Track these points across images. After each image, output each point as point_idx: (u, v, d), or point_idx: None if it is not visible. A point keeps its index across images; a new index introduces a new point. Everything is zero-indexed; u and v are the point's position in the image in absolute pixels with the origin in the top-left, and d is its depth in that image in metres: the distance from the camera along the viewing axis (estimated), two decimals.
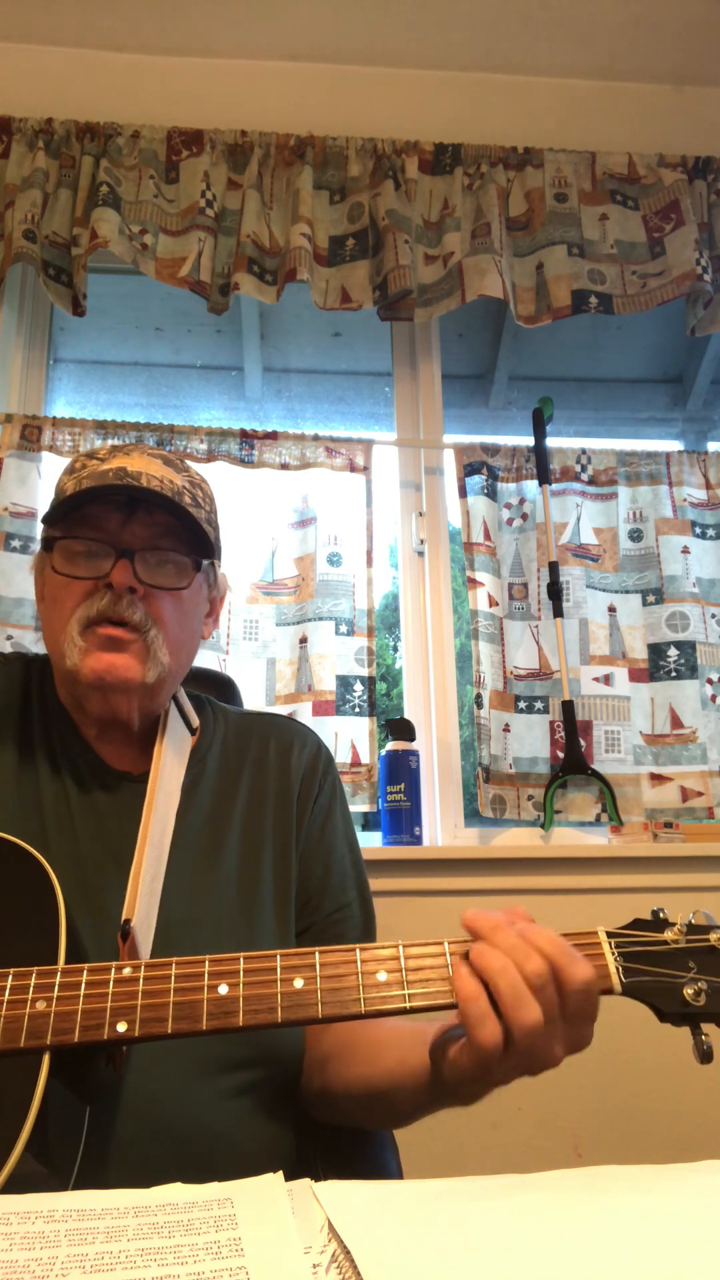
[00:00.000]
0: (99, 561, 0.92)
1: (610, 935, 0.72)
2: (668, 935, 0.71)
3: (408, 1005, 0.69)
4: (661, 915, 0.73)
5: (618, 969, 0.70)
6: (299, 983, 0.69)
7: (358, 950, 0.71)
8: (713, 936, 0.71)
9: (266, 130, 2.18)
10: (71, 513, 0.92)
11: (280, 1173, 0.55)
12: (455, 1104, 0.75)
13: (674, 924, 0.72)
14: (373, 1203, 0.52)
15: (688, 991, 0.69)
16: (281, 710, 1.97)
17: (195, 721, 1.03)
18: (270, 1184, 0.54)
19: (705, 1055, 0.67)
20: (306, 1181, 0.55)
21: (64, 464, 1.97)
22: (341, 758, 1.93)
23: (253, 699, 1.96)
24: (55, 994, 0.68)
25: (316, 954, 0.70)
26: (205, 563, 0.98)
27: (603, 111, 2.39)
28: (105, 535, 0.92)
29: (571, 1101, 1.78)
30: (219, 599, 1.07)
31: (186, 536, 0.95)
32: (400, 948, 0.71)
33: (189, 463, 1.03)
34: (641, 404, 2.58)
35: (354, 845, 1.06)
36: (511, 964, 0.67)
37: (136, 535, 0.93)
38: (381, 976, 0.69)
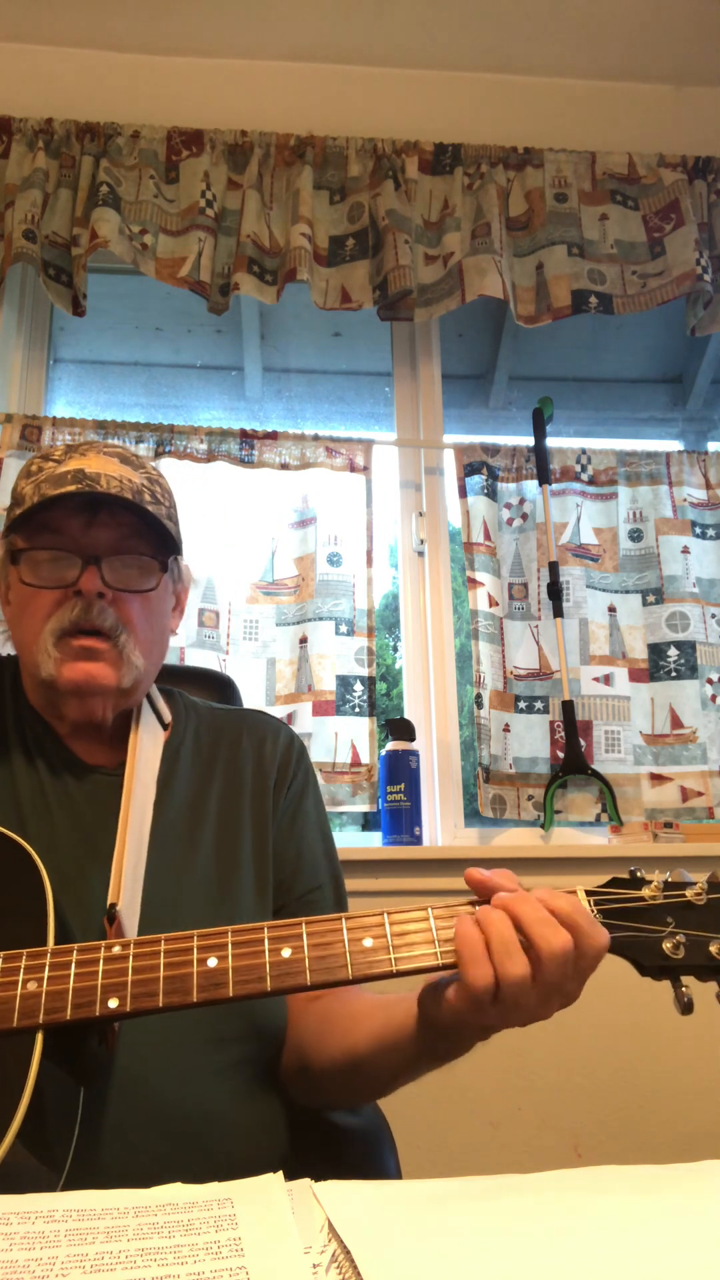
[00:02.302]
0: (65, 569, 0.92)
1: (590, 893, 0.73)
2: (645, 892, 0.73)
3: (394, 969, 0.69)
4: (638, 874, 0.75)
5: None
6: (286, 952, 0.70)
7: (343, 919, 0.72)
8: (689, 892, 0.73)
9: (266, 130, 2.18)
10: (32, 518, 0.93)
11: (280, 1173, 0.56)
12: (437, 1063, 0.77)
13: (651, 881, 0.73)
14: (373, 1203, 0.52)
15: (666, 945, 0.70)
16: (281, 711, 1.97)
17: (167, 717, 1.05)
18: (270, 1184, 0.54)
19: (686, 1007, 0.69)
20: (306, 1181, 0.55)
21: None
22: (341, 758, 1.93)
23: (253, 699, 1.96)
24: (46, 974, 0.68)
25: (303, 924, 0.71)
26: (169, 560, 0.99)
27: (603, 111, 2.39)
28: (69, 541, 0.93)
29: (571, 1101, 1.78)
30: (184, 591, 1.08)
31: (150, 535, 0.96)
32: (385, 915, 0.72)
33: (144, 458, 1.04)
34: (641, 404, 2.58)
35: (326, 834, 1.08)
36: (508, 919, 0.69)
37: (101, 539, 0.93)
38: (368, 943, 0.70)
